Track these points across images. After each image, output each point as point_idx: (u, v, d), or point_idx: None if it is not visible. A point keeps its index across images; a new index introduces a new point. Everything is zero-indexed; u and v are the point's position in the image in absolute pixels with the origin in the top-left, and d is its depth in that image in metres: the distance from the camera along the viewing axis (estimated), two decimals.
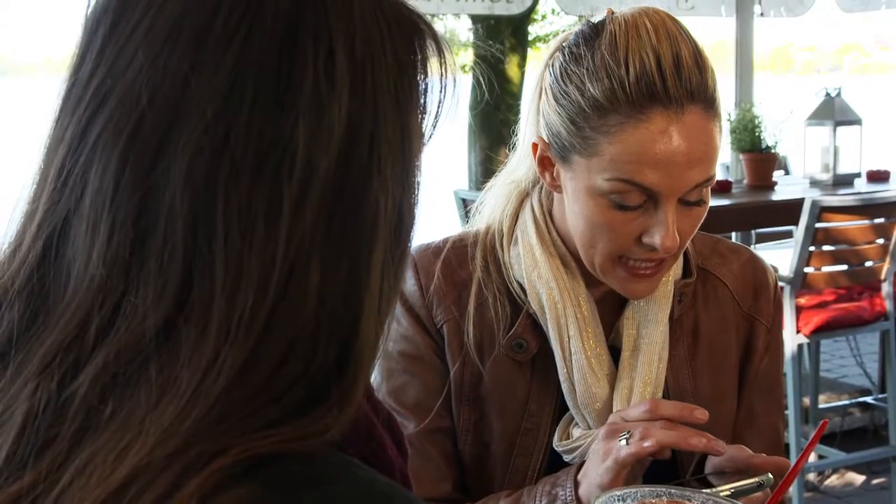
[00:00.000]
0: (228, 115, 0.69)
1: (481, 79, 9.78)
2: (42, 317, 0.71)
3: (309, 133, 0.70)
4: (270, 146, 0.69)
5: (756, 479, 1.32)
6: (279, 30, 0.71)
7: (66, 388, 0.69)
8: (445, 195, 6.04)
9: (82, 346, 0.69)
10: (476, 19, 9.93)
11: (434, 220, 1.83)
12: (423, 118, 0.79)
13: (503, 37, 9.74)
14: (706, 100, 1.39)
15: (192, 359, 0.68)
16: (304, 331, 0.70)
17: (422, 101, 0.78)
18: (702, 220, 1.47)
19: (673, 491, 1.11)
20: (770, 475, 1.33)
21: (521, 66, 9.98)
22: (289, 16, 0.71)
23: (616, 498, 1.09)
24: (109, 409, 0.68)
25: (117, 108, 0.70)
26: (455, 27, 12.27)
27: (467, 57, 10.98)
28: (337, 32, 0.72)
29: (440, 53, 0.79)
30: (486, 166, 9.35)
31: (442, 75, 0.80)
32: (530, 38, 10.43)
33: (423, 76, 0.78)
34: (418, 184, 0.78)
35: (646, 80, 1.36)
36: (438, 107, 0.80)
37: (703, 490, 1.12)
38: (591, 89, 1.38)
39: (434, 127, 0.80)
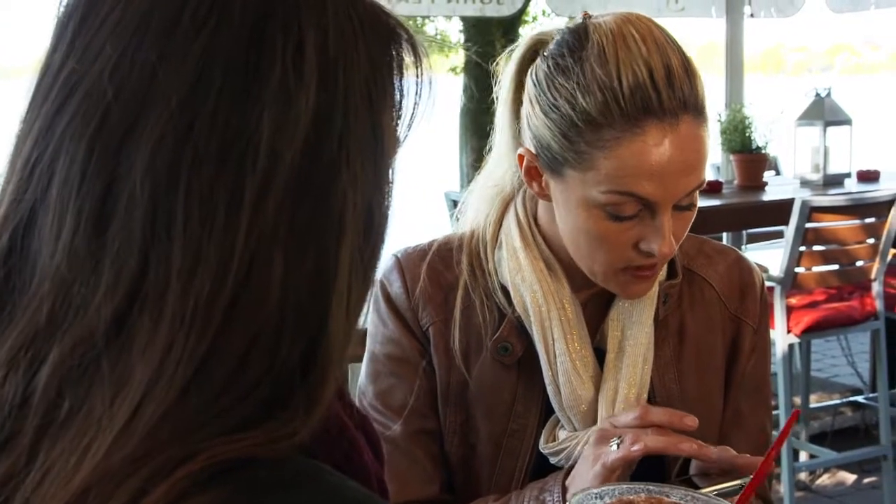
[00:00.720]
0: (194, 104, 0.69)
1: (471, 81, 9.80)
2: (9, 309, 0.71)
3: (274, 124, 0.70)
4: (235, 136, 0.69)
5: (739, 482, 1.32)
6: (248, 22, 0.71)
7: (31, 382, 0.69)
8: (437, 197, 6.05)
9: (45, 339, 0.69)
10: (467, 21, 9.94)
11: (425, 222, 1.84)
12: (397, 119, 0.79)
13: (494, 38, 9.75)
14: (697, 108, 1.40)
15: (146, 351, 0.67)
16: (267, 325, 0.70)
17: (397, 102, 0.78)
18: (692, 222, 1.48)
19: (651, 487, 1.11)
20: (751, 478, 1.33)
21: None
22: (258, 8, 0.72)
23: (594, 495, 1.09)
24: (67, 405, 0.68)
25: (85, 100, 0.71)
26: (446, 29, 12.29)
27: (458, 59, 10.98)
28: (307, 27, 0.72)
29: (417, 57, 0.79)
30: (478, 168, 9.34)
31: (418, 78, 0.80)
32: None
33: (398, 78, 0.78)
34: (391, 183, 0.78)
35: (640, 93, 1.35)
36: (414, 109, 0.80)
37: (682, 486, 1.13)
38: (584, 103, 1.37)
39: (409, 129, 0.80)
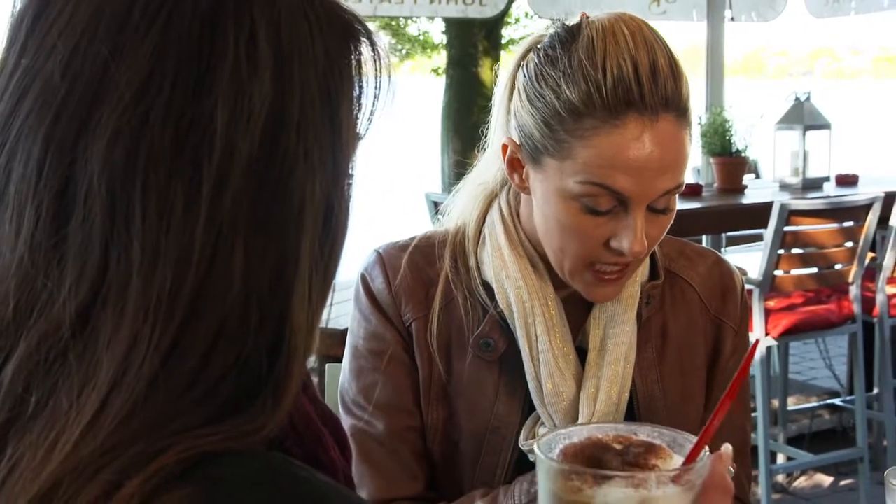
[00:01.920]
0: (148, 97, 0.69)
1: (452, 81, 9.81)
2: None
3: (229, 115, 0.70)
4: (190, 128, 0.70)
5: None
6: (200, 14, 0.72)
7: None
8: (419, 198, 6.05)
9: (11, 334, 0.69)
10: (450, 22, 9.94)
11: (406, 223, 1.84)
12: (357, 113, 0.79)
13: (476, 39, 9.75)
14: (679, 108, 1.41)
15: (111, 344, 0.68)
16: (231, 317, 0.70)
17: (356, 96, 0.79)
18: (668, 227, 1.49)
19: (619, 427, 1.12)
20: (731, 468, 1.34)
21: (494, 69, 9.98)
22: (210, 1, 0.72)
23: (563, 436, 1.09)
24: (34, 399, 0.68)
25: (39, 97, 0.71)
26: (429, 30, 12.29)
27: (441, 60, 10.99)
28: (260, 19, 0.73)
29: (375, 52, 0.80)
30: (459, 169, 9.33)
31: (377, 73, 0.80)
32: (503, 41, 10.45)
33: (357, 73, 0.79)
34: (351, 176, 0.78)
35: (623, 85, 1.37)
36: (374, 103, 0.80)
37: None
38: (567, 92, 1.39)
39: (370, 122, 0.80)
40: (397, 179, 16.27)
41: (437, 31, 12.23)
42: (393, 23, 12.01)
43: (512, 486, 1.46)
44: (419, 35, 12.44)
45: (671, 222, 1.48)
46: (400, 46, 12.19)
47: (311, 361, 0.81)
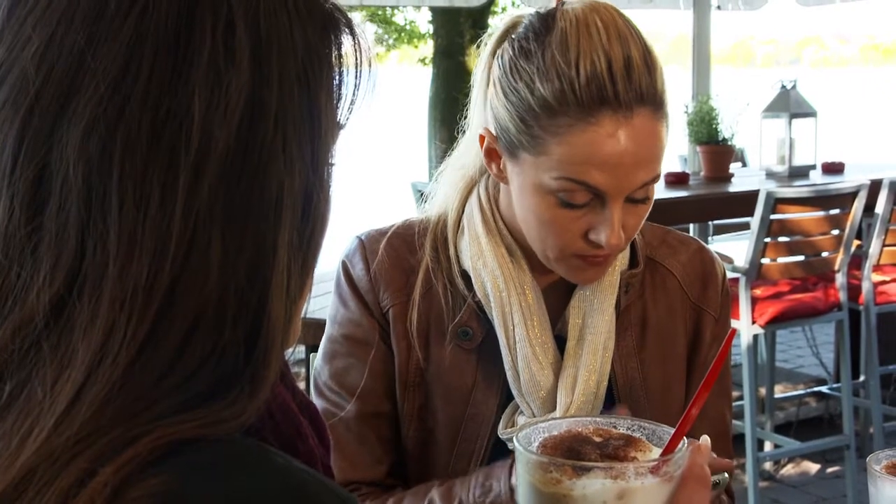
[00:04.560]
0: (124, 87, 0.69)
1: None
2: None
3: (206, 105, 0.70)
4: (167, 117, 0.69)
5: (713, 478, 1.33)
6: (177, 4, 0.71)
7: None
8: (405, 187, 6.05)
9: None
10: (436, 11, 9.93)
11: (392, 212, 1.85)
12: (337, 102, 0.79)
13: (463, 29, 9.75)
14: (655, 101, 1.40)
15: (86, 334, 0.68)
16: (208, 307, 0.70)
17: (336, 85, 0.78)
18: (646, 216, 1.48)
19: (598, 419, 1.11)
20: (726, 475, 1.34)
21: None
22: None
23: (542, 429, 1.09)
24: (8, 388, 0.68)
25: (14, 87, 0.70)
26: (415, 19, 12.27)
27: (427, 49, 10.97)
28: (237, 8, 0.72)
29: (356, 41, 0.80)
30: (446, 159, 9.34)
31: (358, 62, 0.80)
32: (490, 30, 10.45)
33: (338, 62, 0.78)
34: (331, 166, 0.78)
35: (596, 83, 1.36)
36: (354, 92, 0.80)
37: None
38: (541, 89, 1.39)
39: (350, 111, 0.80)
40: (384, 169, 16.27)
41: (423, 21, 12.22)
42: (379, 12, 12.00)
43: (468, 477, 1.45)
44: (406, 25, 12.42)
45: (649, 210, 1.48)
46: (386, 36, 12.17)
47: (291, 351, 0.81)
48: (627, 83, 1.37)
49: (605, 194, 1.39)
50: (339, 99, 0.79)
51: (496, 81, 1.46)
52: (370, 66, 0.80)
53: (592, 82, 1.36)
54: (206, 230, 0.70)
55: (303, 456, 0.78)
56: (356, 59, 0.80)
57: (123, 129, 0.69)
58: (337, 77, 0.78)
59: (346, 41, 0.79)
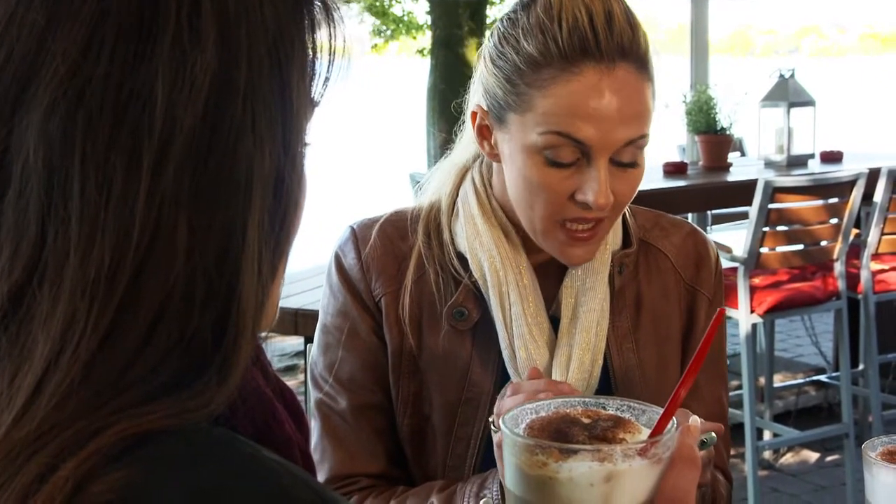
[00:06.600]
0: (86, 67, 0.67)
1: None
2: None
3: (170, 86, 0.67)
4: (129, 98, 0.67)
5: (700, 438, 1.32)
6: None
7: None
8: (404, 178, 6.04)
9: None
10: (434, 3, 9.91)
11: (391, 203, 1.85)
12: (310, 81, 0.76)
13: (461, 20, 9.73)
14: (638, 59, 1.43)
15: (46, 324, 0.65)
16: (175, 294, 0.67)
17: (309, 62, 0.76)
18: (639, 185, 1.49)
19: (587, 400, 1.10)
20: (713, 434, 1.33)
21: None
22: None
23: (529, 410, 1.07)
24: None
25: None
26: (413, 10, 12.25)
27: (426, 41, 10.96)
28: None
29: (329, 16, 0.77)
30: (445, 149, 9.32)
31: (332, 37, 0.77)
32: (488, 21, 10.42)
33: (310, 38, 0.76)
34: (304, 146, 0.75)
35: (578, 34, 1.40)
36: (328, 69, 0.77)
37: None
38: (526, 46, 1.43)
39: (324, 89, 0.78)
40: (382, 160, 16.27)
41: (421, 12, 12.19)
42: (377, 3, 11.97)
43: (465, 484, 1.45)
44: (404, 16, 12.39)
45: (640, 179, 1.49)
46: (384, 27, 12.15)
47: (263, 336, 0.78)
48: (609, 35, 1.40)
49: (591, 149, 1.41)
50: (312, 76, 0.76)
51: (486, 56, 1.50)
52: (345, 41, 0.78)
53: (574, 33, 1.40)
54: (172, 214, 0.67)
55: (279, 443, 0.76)
56: (330, 33, 0.77)
57: (84, 111, 0.66)
58: (311, 53, 0.76)
59: (320, 16, 0.77)
